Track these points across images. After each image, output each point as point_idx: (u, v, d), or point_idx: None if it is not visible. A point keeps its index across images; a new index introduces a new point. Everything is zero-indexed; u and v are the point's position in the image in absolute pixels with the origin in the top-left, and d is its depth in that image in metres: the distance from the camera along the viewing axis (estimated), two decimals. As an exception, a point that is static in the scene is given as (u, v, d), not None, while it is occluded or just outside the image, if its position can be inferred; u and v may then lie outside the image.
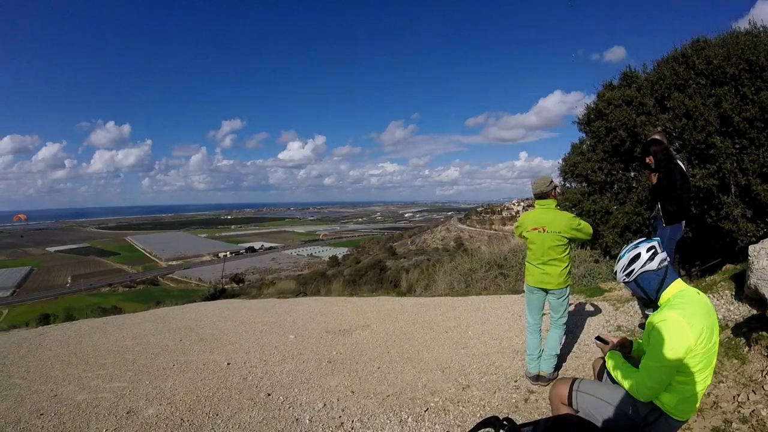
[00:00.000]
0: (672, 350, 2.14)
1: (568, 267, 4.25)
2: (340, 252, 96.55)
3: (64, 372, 6.15)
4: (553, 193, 4.24)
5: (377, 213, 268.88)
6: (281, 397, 4.56)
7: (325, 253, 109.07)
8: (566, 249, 4.19)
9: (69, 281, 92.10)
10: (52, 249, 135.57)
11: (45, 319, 18.02)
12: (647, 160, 5.25)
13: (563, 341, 4.49)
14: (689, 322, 2.14)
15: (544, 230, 4.15)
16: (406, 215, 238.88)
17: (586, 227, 4.19)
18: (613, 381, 2.48)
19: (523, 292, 4.51)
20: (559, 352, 4.33)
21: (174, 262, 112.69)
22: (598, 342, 2.75)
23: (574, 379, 2.57)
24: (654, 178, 5.30)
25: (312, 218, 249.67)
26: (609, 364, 2.53)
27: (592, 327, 5.58)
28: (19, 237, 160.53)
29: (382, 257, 54.48)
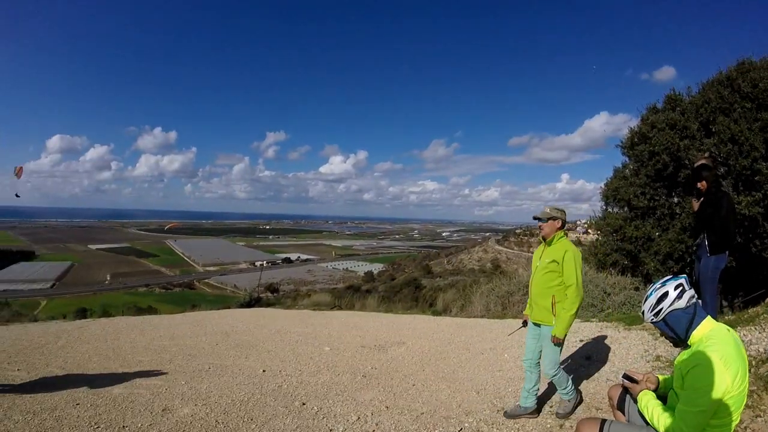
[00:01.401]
0: (709, 395, 2.06)
1: (562, 302, 3.85)
2: (376, 268, 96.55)
3: (101, 365, 6.38)
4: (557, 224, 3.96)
5: (415, 230, 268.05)
6: (315, 407, 4.62)
7: (361, 268, 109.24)
8: (557, 279, 3.86)
9: (108, 278, 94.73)
10: (93, 246, 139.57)
11: (82, 313, 18.71)
12: (699, 185, 5.14)
13: (567, 380, 4.05)
14: (726, 363, 2.07)
15: (540, 258, 4.04)
16: (443, 234, 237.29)
17: (572, 294, 3.75)
18: (644, 419, 2.42)
19: None
20: (569, 387, 4.04)
21: (211, 268, 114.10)
22: (626, 380, 2.65)
23: (604, 421, 2.48)
24: (696, 205, 5.22)
25: (349, 232, 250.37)
26: (641, 404, 2.45)
27: (631, 356, 5.48)
28: (63, 231, 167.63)
29: (417, 275, 54.41)
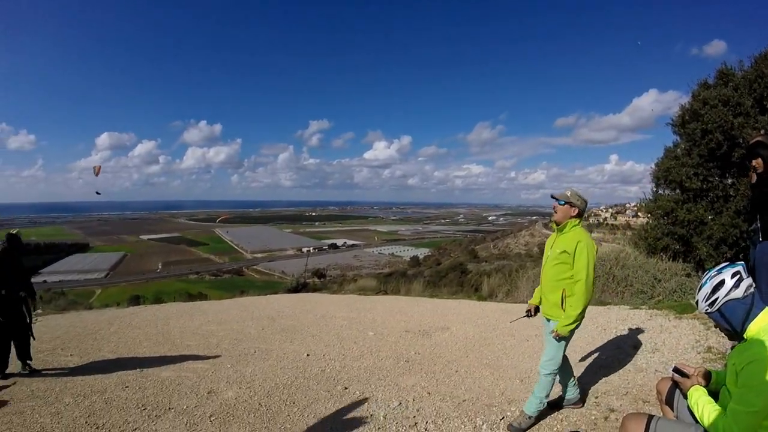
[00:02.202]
0: (765, 394, 1.96)
1: (570, 297, 3.56)
2: (422, 252, 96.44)
3: (150, 350, 6.73)
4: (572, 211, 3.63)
5: (460, 215, 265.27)
6: (357, 392, 4.71)
7: (407, 252, 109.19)
8: (568, 271, 3.56)
9: (159, 267, 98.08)
10: (145, 237, 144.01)
11: (135, 300, 19.64)
12: (755, 163, 4.89)
13: (550, 389, 3.72)
14: None
15: (551, 247, 3.74)
16: (489, 218, 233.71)
17: (580, 290, 3.45)
18: (693, 416, 2.32)
19: (609, 303, 4.22)
20: (543, 398, 3.73)
21: (259, 255, 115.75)
22: (676, 374, 2.51)
23: (651, 417, 2.37)
24: (753, 177, 4.95)
25: (394, 218, 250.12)
26: (692, 400, 2.33)
27: (681, 347, 5.30)
28: (115, 224, 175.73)
29: (463, 260, 54.20)
